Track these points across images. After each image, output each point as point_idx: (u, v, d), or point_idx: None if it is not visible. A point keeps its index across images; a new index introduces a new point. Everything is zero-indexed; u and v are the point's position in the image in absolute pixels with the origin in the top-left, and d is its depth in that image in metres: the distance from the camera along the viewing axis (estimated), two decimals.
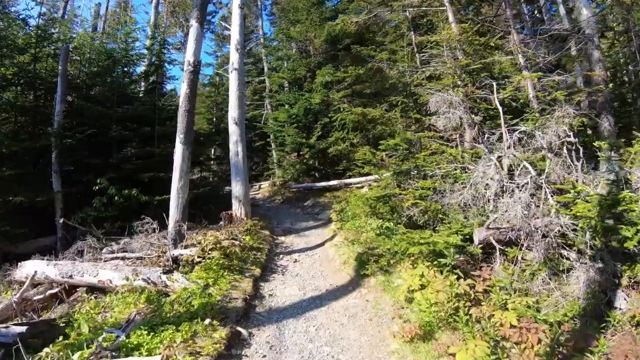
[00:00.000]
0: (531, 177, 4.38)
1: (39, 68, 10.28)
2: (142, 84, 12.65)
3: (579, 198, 4.61)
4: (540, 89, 8.98)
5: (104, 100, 10.23)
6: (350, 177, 12.63)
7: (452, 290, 3.68)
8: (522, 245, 5.09)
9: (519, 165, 4.99)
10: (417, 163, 5.79)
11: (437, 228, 5.67)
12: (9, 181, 8.71)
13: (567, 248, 4.72)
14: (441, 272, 4.41)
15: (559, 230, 4.62)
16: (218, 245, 5.91)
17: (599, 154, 9.95)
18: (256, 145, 22.61)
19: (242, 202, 8.12)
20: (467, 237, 5.30)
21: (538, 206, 4.98)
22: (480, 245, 5.20)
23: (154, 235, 7.23)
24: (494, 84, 5.85)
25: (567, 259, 4.76)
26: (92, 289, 6.05)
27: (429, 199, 5.23)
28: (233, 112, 8.33)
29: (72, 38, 11.49)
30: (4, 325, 4.15)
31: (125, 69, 10.99)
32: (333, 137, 12.91)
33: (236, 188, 8.14)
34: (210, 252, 5.74)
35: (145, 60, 12.16)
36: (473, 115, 5.44)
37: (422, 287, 4.31)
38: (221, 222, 8.29)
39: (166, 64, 11.90)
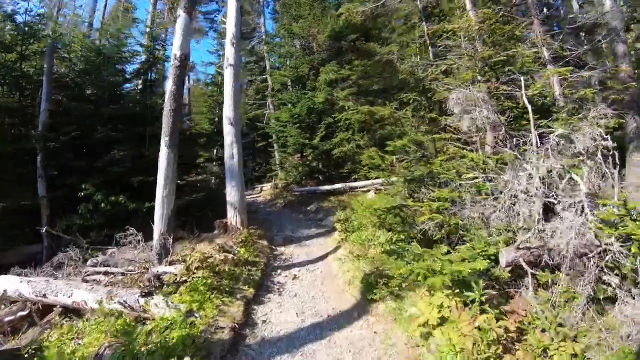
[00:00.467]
0: (581, 192, 3.61)
1: (25, 67, 9.74)
2: (138, 83, 12.08)
3: (627, 216, 3.85)
4: (567, 87, 8.14)
5: (95, 100, 9.66)
6: (355, 180, 11.92)
7: (483, 337, 2.94)
8: (556, 267, 4.36)
9: (556, 173, 4.23)
10: (432, 169, 5.05)
11: (456, 246, 4.94)
12: None
13: (609, 271, 3.97)
14: (465, 304, 3.69)
15: (601, 252, 3.89)
16: (205, 263, 5.24)
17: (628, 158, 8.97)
18: (259, 147, 21.99)
19: (238, 210, 7.44)
20: (492, 257, 4.56)
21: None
22: (508, 269, 4.46)
23: (139, 247, 6.60)
24: (522, 78, 5.08)
25: (609, 285, 4.02)
26: (68, 309, 5.44)
27: (446, 212, 4.49)
28: (228, 111, 7.66)
29: (61, 35, 10.89)
30: None
31: (118, 67, 10.37)
32: (338, 138, 12.20)
33: (231, 194, 7.46)
34: (196, 270, 5.07)
35: (144, 57, 11.57)
36: (499, 115, 4.68)
37: (442, 321, 3.58)
38: (216, 232, 7.64)
39: (165, 63, 11.27)
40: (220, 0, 23.34)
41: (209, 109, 23.12)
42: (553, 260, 4.31)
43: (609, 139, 5.17)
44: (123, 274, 6.13)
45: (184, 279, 5.22)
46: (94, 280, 6.45)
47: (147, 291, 4.81)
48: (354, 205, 7.10)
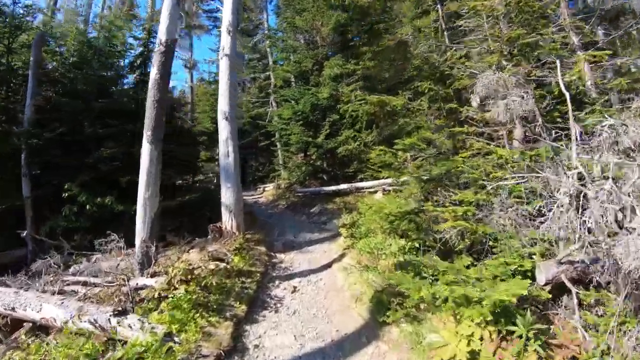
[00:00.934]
0: None
1: (13, 60, 9.21)
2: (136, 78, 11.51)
3: None
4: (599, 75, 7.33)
5: (85, 95, 9.09)
6: (362, 180, 11.20)
7: None
8: (604, 285, 3.63)
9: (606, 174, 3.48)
10: (452, 167, 4.33)
11: (481, 258, 4.21)
12: None
13: None
14: (499, 332, 2.96)
15: None
16: (190, 276, 4.58)
17: None
18: (262, 145, 21.36)
19: (234, 213, 6.79)
20: (527, 272, 3.84)
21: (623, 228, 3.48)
22: (548, 286, 3.73)
23: (123, 254, 5.98)
24: (558, 61, 4.33)
25: None
26: (38, 325, 4.84)
27: (471, 219, 3.77)
28: (223, 105, 7.01)
29: (52, 27, 10.36)
30: None
31: (111, 60, 9.79)
32: (343, 135, 11.49)
33: (226, 196, 6.81)
34: (178, 285, 4.41)
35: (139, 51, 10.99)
36: (537, 103, 3.93)
37: (472, 356, 2.87)
38: (209, 236, 6.99)
39: None
40: None
41: (211, 107, 22.58)
42: (603, 277, 3.58)
43: None
44: (101, 285, 5.52)
45: (166, 294, 4.58)
46: (72, 291, 5.85)
47: (120, 309, 4.15)
48: (360, 208, 6.39)
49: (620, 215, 2.81)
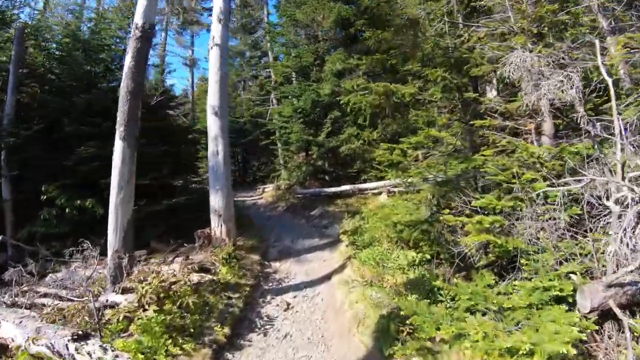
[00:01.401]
0: None
1: None
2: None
3: None
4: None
5: (71, 91, 8.53)
6: (365, 181, 10.55)
7: None
8: None
9: None
10: (471, 167, 3.66)
11: (507, 276, 3.53)
12: None
13: None
14: None
15: None
16: (164, 294, 3.95)
17: None
18: (262, 144, 20.77)
19: (223, 218, 6.16)
20: (568, 297, 3.15)
21: None
22: (592, 314, 3.04)
23: (103, 263, 5.38)
24: (597, 42, 3.63)
25: None
26: None
27: (496, 230, 3.10)
28: (213, 98, 6.39)
29: (39, 21, 9.83)
30: None
31: (99, 55, 9.23)
32: (345, 133, 10.85)
33: (215, 199, 6.19)
34: (148, 305, 3.79)
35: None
36: (579, 89, 3.24)
37: None
38: (197, 243, 6.37)
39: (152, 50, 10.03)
40: None
41: None
42: None
43: None
44: (72, 299, 4.93)
45: (133, 315, 3.96)
46: (42, 305, 5.29)
47: (81, 332, 3.54)
48: (364, 213, 5.73)
49: None
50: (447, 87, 4.39)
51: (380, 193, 9.78)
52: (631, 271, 2.75)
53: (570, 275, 3.27)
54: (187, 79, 27.26)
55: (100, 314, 4.22)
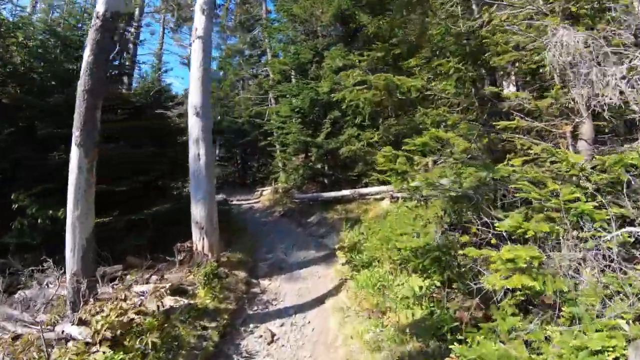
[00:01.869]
0: None
1: None
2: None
3: None
4: None
5: (48, 90, 7.95)
6: (366, 185, 9.86)
7: None
8: None
9: None
10: (492, 177, 2.96)
11: (541, 317, 2.83)
12: None
13: None
14: None
15: None
16: (121, 330, 3.30)
17: None
18: (261, 146, 20.15)
19: (206, 231, 5.51)
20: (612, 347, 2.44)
21: None
22: None
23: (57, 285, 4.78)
24: None
25: None
26: None
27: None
28: (194, 97, 5.74)
29: (21, 17, 9.26)
30: None
31: (79, 53, 8.62)
32: (345, 134, 10.16)
33: (197, 210, 5.54)
34: (101, 343, 3.14)
35: None
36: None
37: None
38: (177, 258, 5.72)
39: (137, 46, 9.48)
40: None
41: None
42: None
43: None
44: (29, 326, 4.31)
45: (94, 349, 3.32)
46: (3, 329, 4.69)
47: None
48: (363, 227, 5.05)
49: None
50: (461, 80, 3.69)
51: (382, 199, 9.09)
52: None
53: (619, 321, 2.55)
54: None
55: (51, 350, 3.60)
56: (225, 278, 5.27)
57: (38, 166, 6.84)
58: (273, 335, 4.10)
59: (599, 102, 2.62)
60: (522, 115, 3.26)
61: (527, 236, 2.82)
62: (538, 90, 3.59)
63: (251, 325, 4.32)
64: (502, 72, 4.29)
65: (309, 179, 11.97)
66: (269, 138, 15.77)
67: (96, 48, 3.91)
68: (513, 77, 4.71)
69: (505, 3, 3.24)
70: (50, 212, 6.21)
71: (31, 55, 8.97)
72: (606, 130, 3.22)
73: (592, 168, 2.94)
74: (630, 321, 2.51)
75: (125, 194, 6.83)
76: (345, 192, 9.82)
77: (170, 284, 4.67)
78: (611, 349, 2.24)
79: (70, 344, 3.34)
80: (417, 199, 4.43)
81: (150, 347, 3.29)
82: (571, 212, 2.55)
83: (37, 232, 6.47)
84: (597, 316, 2.54)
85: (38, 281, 5.97)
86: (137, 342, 3.38)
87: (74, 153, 3.82)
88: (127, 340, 3.39)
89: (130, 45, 12.26)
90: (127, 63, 10.31)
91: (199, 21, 6.08)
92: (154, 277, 5.08)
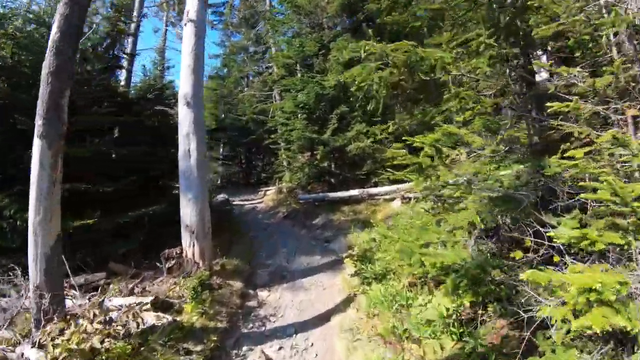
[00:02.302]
0: None
1: None
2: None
3: None
4: None
5: (36, 85, 7.46)
6: (376, 184, 9.22)
7: None
8: None
9: None
10: (548, 174, 2.29)
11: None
12: None
13: None
14: None
15: None
16: (82, 358, 2.71)
17: None
18: (265, 144, 19.62)
19: (197, 235, 4.91)
20: None
21: None
22: None
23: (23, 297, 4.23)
24: None
25: None
26: None
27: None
28: (185, 86, 5.15)
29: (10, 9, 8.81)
30: None
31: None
32: (353, 130, 9.53)
33: (186, 212, 4.94)
34: None
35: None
36: None
37: None
38: (164, 266, 5.13)
39: (131, 38, 8.97)
40: None
41: (213, 104, 21.08)
42: None
43: None
44: None
45: None
46: None
47: None
48: (374, 232, 4.40)
49: None
50: (494, 58, 3.02)
51: (393, 199, 8.44)
52: None
53: None
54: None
55: None
56: (217, 289, 4.66)
57: (18, 163, 6.36)
58: None
59: None
60: (570, 98, 2.57)
61: (593, 249, 2.14)
62: (589, 68, 2.89)
63: (244, 348, 3.70)
64: (540, 49, 3.59)
65: (314, 178, 11.34)
66: (272, 136, 15.22)
67: (64, 24, 3.34)
68: (547, 57, 4.02)
69: None
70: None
71: (19, 47, 8.54)
72: None
73: None
74: None
75: (116, 194, 6.30)
76: (354, 192, 9.17)
77: (153, 296, 4.08)
78: None
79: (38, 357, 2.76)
80: (434, 201, 3.78)
81: None
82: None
83: (17, 235, 6.00)
84: None
85: (17, 289, 5.47)
86: None
87: (36, 146, 3.26)
88: None
89: (130, 39, 11.79)
90: (123, 56, 9.79)
91: (191, 3, 5.49)
92: (140, 288, 4.50)
